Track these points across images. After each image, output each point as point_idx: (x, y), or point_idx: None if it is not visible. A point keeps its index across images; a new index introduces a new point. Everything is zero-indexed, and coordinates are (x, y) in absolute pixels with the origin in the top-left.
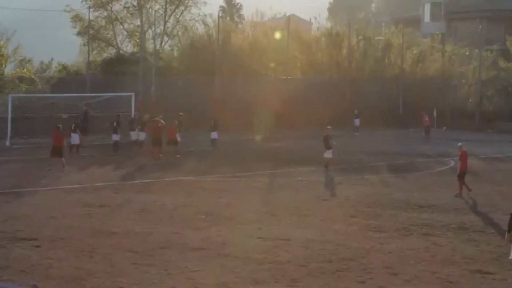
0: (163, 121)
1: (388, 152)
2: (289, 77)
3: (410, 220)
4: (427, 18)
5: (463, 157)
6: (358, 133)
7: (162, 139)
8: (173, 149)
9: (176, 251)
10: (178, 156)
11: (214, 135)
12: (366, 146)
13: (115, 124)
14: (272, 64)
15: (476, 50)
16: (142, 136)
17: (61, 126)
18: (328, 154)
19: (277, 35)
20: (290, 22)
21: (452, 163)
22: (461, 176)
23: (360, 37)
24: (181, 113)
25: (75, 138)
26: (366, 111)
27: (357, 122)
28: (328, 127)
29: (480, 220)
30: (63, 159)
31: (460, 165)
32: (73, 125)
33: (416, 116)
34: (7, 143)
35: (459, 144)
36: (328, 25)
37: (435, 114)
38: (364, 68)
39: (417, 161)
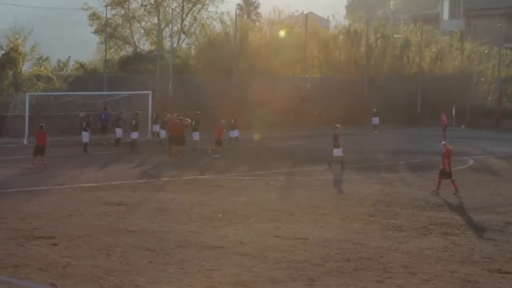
0: (188, 120)
1: (407, 150)
2: (306, 76)
3: (429, 219)
4: (446, 15)
5: (447, 154)
6: (377, 131)
7: (184, 138)
8: (219, 149)
9: (193, 250)
10: (217, 156)
11: (234, 133)
12: (384, 144)
13: (133, 122)
14: (289, 63)
15: (495, 47)
16: (162, 134)
17: (44, 126)
18: (337, 152)
19: (282, 33)
20: (307, 20)
21: (471, 161)
22: (445, 174)
23: (378, 35)
24: (198, 112)
25: (86, 137)
26: (384, 109)
27: (375, 120)
28: (337, 125)
29: (499, 219)
30: (44, 157)
31: (445, 164)
32: (84, 123)
33: (434, 114)
34: (25, 141)
35: (443, 142)
36: (346, 22)
37: (454, 112)
38: (382, 66)
39: (435, 160)
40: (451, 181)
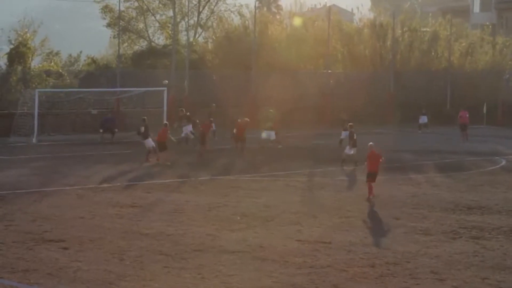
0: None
1: (435, 150)
2: (329, 71)
3: (458, 222)
4: (476, 8)
5: (371, 157)
6: (422, 131)
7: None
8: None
9: (210, 254)
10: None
11: (272, 135)
12: (411, 143)
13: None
14: (311, 57)
15: None
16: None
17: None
18: (349, 151)
19: (297, 21)
20: (330, 13)
21: (503, 162)
22: (369, 177)
23: (405, 29)
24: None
25: (149, 143)
26: (411, 106)
27: (423, 119)
28: (350, 123)
29: None
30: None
31: (367, 165)
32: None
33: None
34: (34, 140)
35: (370, 143)
36: (371, 15)
37: (485, 109)
38: (409, 61)
39: (466, 160)
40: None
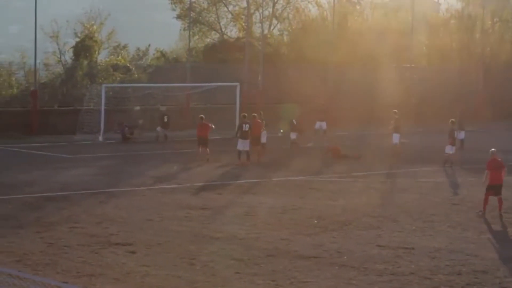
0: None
1: None
2: (413, 65)
3: None
4: None
5: (490, 165)
6: None
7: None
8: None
9: (284, 260)
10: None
11: (396, 138)
12: (503, 143)
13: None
14: (393, 51)
15: None
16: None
17: (203, 117)
18: (449, 150)
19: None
20: (414, 3)
21: None
22: (490, 189)
23: (496, 19)
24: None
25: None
26: (503, 103)
27: None
28: (452, 119)
29: None
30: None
31: (489, 175)
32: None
33: None
34: (100, 138)
35: (492, 149)
36: (459, 5)
37: None
38: (500, 55)
39: None
40: (498, 199)
